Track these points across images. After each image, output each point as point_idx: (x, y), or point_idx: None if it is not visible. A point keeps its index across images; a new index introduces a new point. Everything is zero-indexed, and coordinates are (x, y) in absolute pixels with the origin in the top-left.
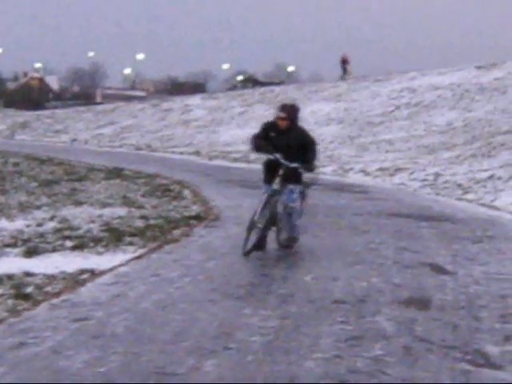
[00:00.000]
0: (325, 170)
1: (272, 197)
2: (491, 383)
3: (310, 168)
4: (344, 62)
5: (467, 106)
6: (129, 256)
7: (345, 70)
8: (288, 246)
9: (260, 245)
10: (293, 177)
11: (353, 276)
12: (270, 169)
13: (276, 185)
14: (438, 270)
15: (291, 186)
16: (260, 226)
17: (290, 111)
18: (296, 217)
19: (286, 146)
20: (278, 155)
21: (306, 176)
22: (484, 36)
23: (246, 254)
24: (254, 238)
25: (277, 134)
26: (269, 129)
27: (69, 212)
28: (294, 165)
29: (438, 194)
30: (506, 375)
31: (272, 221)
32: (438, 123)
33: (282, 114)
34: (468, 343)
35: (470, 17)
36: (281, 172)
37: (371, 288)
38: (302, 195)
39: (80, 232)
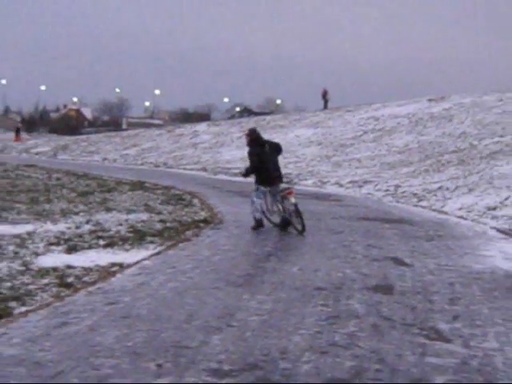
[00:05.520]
0: (307, 182)
1: None
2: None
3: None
4: (324, 95)
5: (421, 131)
6: (150, 252)
7: (326, 103)
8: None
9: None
10: None
11: (331, 268)
12: None
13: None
14: (399, 262)
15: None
16: None
17: (249, 132)
18: (252, 208)
19: None
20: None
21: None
22: (435, 72)
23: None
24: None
25: None
26: None
27: (101, 217)
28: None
29: (398, 202)
30: (455, 347)
31: None
32: (397, 145)
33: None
34: (424, 321)
35: (421, 56)
36: None
37: (346, 277)
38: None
39: (110, 233)
